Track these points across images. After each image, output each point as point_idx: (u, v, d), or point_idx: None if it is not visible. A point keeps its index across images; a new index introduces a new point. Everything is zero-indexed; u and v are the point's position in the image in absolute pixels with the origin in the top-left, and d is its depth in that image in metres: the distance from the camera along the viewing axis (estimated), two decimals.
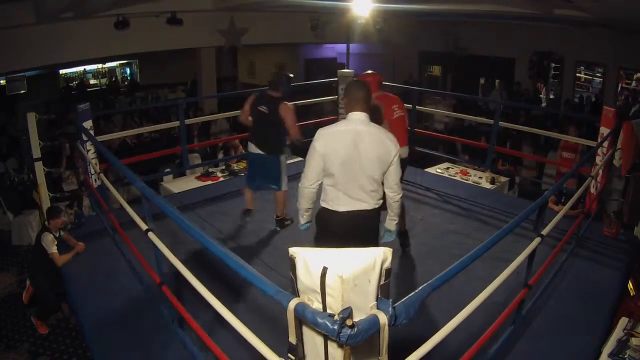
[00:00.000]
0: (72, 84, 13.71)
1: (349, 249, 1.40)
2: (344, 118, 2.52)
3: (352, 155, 2.40)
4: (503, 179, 6.23)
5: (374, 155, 2.42)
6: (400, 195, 2.62)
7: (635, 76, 9.67)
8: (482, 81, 12.48)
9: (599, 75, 10.25)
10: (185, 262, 2.27)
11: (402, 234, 3.78)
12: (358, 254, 1.37)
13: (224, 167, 6.43)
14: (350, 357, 1.31)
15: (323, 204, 2.57)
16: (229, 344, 2.28)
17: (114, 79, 14.65)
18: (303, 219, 2.74)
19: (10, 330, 4.48)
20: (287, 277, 1.45)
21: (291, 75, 4.22)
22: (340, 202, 2.50)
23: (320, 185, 2.56)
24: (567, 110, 9.78)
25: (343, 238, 2.46)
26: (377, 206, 2.56)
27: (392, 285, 1.42)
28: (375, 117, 2.85)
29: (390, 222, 2.74)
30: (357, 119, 2.45)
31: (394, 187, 2.56)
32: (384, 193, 2.60)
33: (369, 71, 3.71)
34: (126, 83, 14.70)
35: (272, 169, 4.11)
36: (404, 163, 3.18)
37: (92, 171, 4.17)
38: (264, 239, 4.08)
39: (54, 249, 3.78)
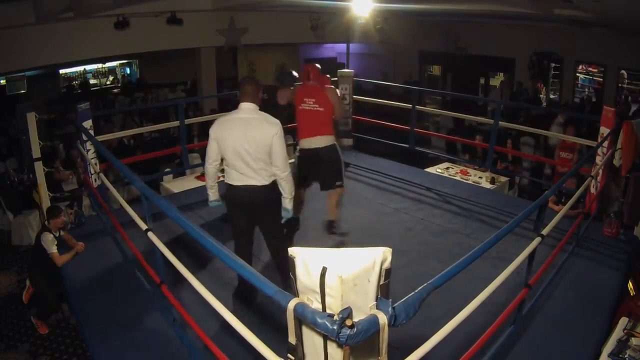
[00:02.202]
0: (72, 84, 13.70)
1: (350, 249, 1.40)
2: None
3: (239, 139, 2.82)
4: (503, 179, 6.23)
5: (257, 138, 2.82)
6: (286, 174, 2.94)
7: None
8: (482, 81, 12.49)
9: (599, 75, 10.24)
10: (185, 262, 2.27)
11: (294, 219, 3.84)
12: (357, 254, 1.37)
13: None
14: (349, 357, 1.31)
15: (225, 180, 3.02)
16: (229, 344, 2.27)
17: (116, 79, 14.62)
18: (210, 196, 3.18)
19: (10, 330, 4.48)
20: (287, 277, 1.45)
21: (295, 74, 4.24)
22: (233, 178, 2.94)
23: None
24: (567, 110, 9.78)
25: (240, 209, 3.00)
26: (267, 183, 2.93)
27: (391, 285, 1.42)
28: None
29: (284, 200, 3.03)
30: (246, 108, 2.90)
31: (279, 165, 2.90)
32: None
33: (316, 65, 3.99)
34: (134, 81, 14.65)
35: None
36: (333, 151, 3.79)
37: (92, 171, 4.17)
38: (264, 239, 4.07)
39: (53, 249, 3.78)
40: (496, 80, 12.18)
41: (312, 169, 3.91)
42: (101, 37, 7.89)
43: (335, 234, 4.07)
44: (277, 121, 2.89)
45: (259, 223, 3.09)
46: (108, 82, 14.57)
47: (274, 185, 2.96)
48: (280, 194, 3.00)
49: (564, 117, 7.22)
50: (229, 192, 2.99)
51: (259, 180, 2.90)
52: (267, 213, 3.03)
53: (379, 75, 12.56)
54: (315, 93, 3.79)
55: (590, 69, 10.38)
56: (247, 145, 2.82)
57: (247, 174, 2.89)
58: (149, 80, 14.38)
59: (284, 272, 2.90)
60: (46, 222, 3.98)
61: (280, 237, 3.23)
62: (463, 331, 2.02)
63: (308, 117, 3.80)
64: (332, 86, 3.96)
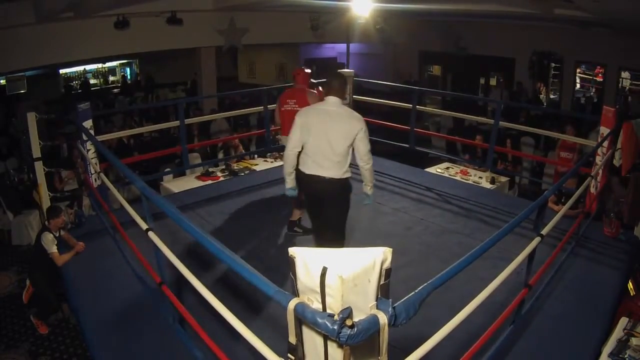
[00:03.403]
0: (72, 84, 13.70)
1: (350, 249, 1.40)
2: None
3: (324, 130, 2.94)
4: (503, 178, 6.23)
5: (342, 131, 2.95)
6: (370, 165, 3.10)
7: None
8: (482, 81, 12.49)
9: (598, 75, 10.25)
10: (185, 262, 2.27)
11: (292, 222, 4.07)
12: (358, 254, 1.37)
13: (224, 167, 6.43)
14: (350, 357, 1.31)
15: (299, 167, 3.14)
16: (229, 344, 2.28)
17: (118, 78, 14.62)
18: (287, 183, 3.24)
19: (10, 330, 4.48)
20: (287, 277, 1.45)
21: (308, 70, 4.42)
22: (309, 166, 3.06)
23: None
24: (569, 110, 9.79)
25: (311, 197, 3.20)
26: (340, 176, 3.04)
27: (391, 285, 1.42)
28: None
29: (366, 187, 3.22)
30: (333, 101, 3.04)
31: (364, 158, 3.05)
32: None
33: (306, 69, 4.24)
34: (140, 81, 14.64)
35: None
36: None
37: (92, 171, 4.17)
38: (264, 239, 4.08)
39: (53, 249, 3.78)
40: (495, 81, 12.21)
41: None
42: (101, 37, 7.89)
43: (297, 233, 4.05)
44: (361, 117, 3.05)
45: (325, 213, 3.19)
46: (109, 82, 14.57)
47: (345, 179, 3.09)
48: (349, 189, 3.18)
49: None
50: (302, 179, 3.14)
51: (334, 172, 3.02)
52: (334, 205, 3.14)
53: (383, 75, 12.51)
54: (297, 95, 4.02)
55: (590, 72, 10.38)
56: (331, 138, 2.94)
57: (323, 165, 3.00)
58: (149, 80, 14.39)
59: None
60: (46, 222, 3.98)
61: (339, 231, 3.23)
62: (463, 331, 2.02)
63: (289, 117, 3.82)
64: (314, 91, 4.14)
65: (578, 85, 10.59)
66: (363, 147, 3.01)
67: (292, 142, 3.07)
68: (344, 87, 3.12)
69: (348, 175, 3.09)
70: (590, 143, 4.59)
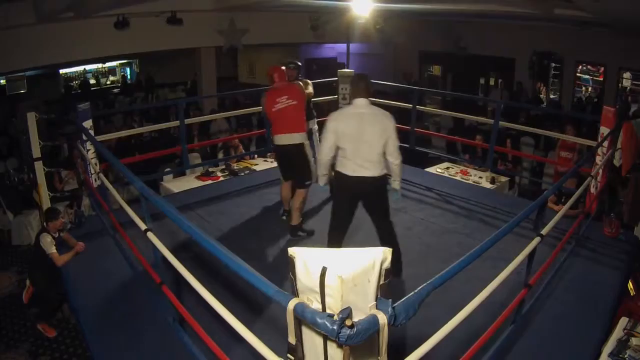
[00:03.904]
0: (72, 84, 13.70)
1: (350, 249, 1.40)
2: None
3: (360, 132, 3.00)
4: (503, 178, 6.23)
5: (375, 131, 3.02)
6: (399, 161, 3.18)
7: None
8: (482, 81, 12.49)
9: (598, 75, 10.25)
10: (185, 262, 2.27)
11: (294, 227, 4.06)
12: (357, 254, 1.37)
13: (224, 167, 6.43)
14: (349, 357, 1.31)
15: (337, 168, 3.20)
16: (229, 344, 2.27)
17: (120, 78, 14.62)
18: (322, 182, 3.40)
19: (10, 331, 4.48)
20: (287, 277, 1.45)
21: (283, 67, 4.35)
22: (349, 169, 3.11)
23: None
24: (570, 110, 9.78)
25: (351, 198, 3.24)
26: (379, 174, 3.13)
27: (391, 285, 1.42)
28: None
29: (394, 182, 3.31)
30: (362, 103, 3.08)
31: (394, 154, 3.13)
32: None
33: (280, 67, 4.13)
34: (141, 81, 14.63)
35: None
36: (300, 149, 3.92)
37: (92, 171, 4.17)
38: (264, 239, 4.08)
39: (52, 249, 3.78)
40: (493, 81, 12.23)
41: (286, 166, 4.11)
42: (101, 37, 7.89)
43: (299, 237, 4.02)
44: (390, 114, 3.15)
45: (372, 210, 3.34)
46: (108, 82, 14.58)
47: (385, 175, 3.20)
48: (385, 182, 3.25)
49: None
50: (341, 181, 3.19)
51: (374, 171, 3.10)
52: (380, 200, 3.27)
53: (383, 75, 12.50)
54: (286, 90, 3.93)
55: (590, 67, 10.37)
56: (368, 139, 3.02)
57: (363, 166, 3.08)
58: (149, 80, 14.39)
59: (396, 258, 3.28)
60: (45, 224, 3.98)
61: (389, 218, 3.38)
62: (463, 331, 2.02)
63: (282, 114, 3.90)
64: (301, 83, 4.15)
65: (585, 89, 10.56)
66: (393, 143, 3.11)
67: (326, 149, 3.13)
68: (369, 88, 3.17)
69: (385, 171, 3.21)
70: (590, 143, 4.59)
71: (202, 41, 9.54)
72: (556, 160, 5.90)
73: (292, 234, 4.05)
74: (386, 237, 3.35)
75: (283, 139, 3.94)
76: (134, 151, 7.15)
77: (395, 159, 3.15)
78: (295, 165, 4.01)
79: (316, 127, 4.79)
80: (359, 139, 3.02)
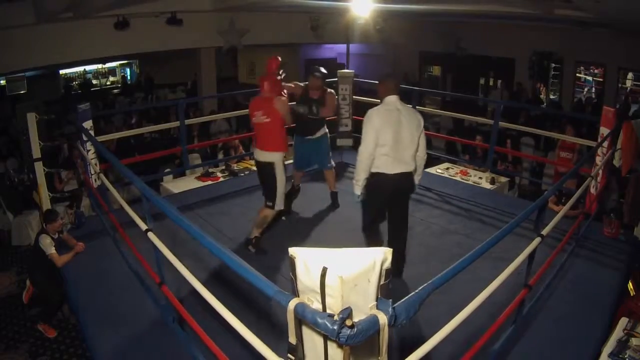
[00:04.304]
0: (72, 84, 13.70)
1: (350, 249, 1.40)
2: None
3: (399, 130, 3.05)
4: (503, 179, 6.23)
5: (412, 126, 3.10)
6: (425, 155, 3.32)
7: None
8: (482, 81, 12.50)
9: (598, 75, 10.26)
10: (185, 262, 2.27)
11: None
12: (358, 254, 1.37)
13: (224, 167, 6.43)
14: (349, 358, 1.31)
15: (375, 170, 3.14)
16: (229, 344, 2.27)
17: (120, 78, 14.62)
18: (357, 190, 3.24)
19: (10, 331, 4.48)
20: (287, 277, 1.45)
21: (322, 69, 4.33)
22: (389, 166, 3.11)
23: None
24: (570, 111, 9.79)
25: (392, 196, 3.21)
26: (413, 168, 3.21)
27: (392, 285, 1.42)
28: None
29: (418, 176, 3.36)
30: (394, 100, 3.13)
31: (423, 149, 3.25)
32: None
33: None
34: (141, 81, 14.63)
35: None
36: (269, 169, 3.69)
37: (92, 171, 4.17)
38: (263, 239, 4.07)
39: (52, 250, 3.78)
40: (492, 81, 12.24)
41: (260, 179, 3.95)
42: (101, 37, 7.89)
43: (249, 251, 3.84)
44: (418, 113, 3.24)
45: (398, 206, 3.33)
46: (108, 83, 14.58)
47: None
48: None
49: None
50: (379, 181, 3.15)
51: (410, 166, 3.17)
52: (407, 197, 3.34)
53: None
54: (264, 104, 3.66)
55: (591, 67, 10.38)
56: (406, 134, 3.07)
57: (406, 161, 3.13)
58: (149, 80, 14.38)
59: (402, 255, 3.38)
60: (44, 225, 3.98)
61: (407, 214, 3.41)
62: (463, 331, 2.02)
63: (257, 128, 3.77)
64: (283, 97, 3.76)
65: (588, 90, 10.55)
66: (424, 138, 3.23)
67: (370, 148, 3.08)
68: (398, 85, 3.22)
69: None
70: (590, 143, 4.59)
71: (202, 41, 9.54)
72: (556, 160, 5.90)
73: (245, 244, 3.92)
74: (397, 234, 3.36)
75: (256, 152, 3.81)
76: (133, 152, 7.15)
77: (424, 153, 3.28)
78: (264, 183, 3.85)
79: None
80: (398, 135, 3.05)
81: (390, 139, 3.05)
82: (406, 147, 3.11)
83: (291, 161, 4.58)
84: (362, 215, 3.46)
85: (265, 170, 3.76)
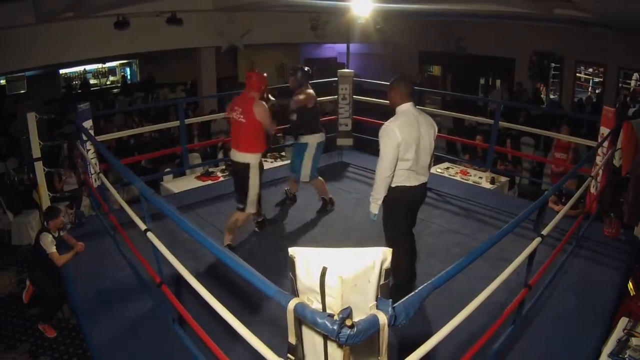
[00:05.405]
0: (72, 84, 13.69)
1: (350, 249, 1.40)
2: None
3: (419, 140, 2.85)
4: (503, 179, 6.23)
5: (430, 135, 2.92)
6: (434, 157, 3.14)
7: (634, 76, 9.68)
8: (482, 81, 12.50)
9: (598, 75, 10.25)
10: (184, 262, 2.27)
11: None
12: (358, 254, 1.37)
13: (224, 167, 6.43)
14: (349, 357, 1.31)
15: (394, 185, 2.91)
16: (229, 344, 2.27)
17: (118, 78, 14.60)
18: (375, 209, 3.00)
19: (10, 331, 4.48)
20: (287, 277, 1.45)
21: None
22: (412, 179, 2.92)
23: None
24: (571, 111, 9.79)
25: (411, 207, 3.10)
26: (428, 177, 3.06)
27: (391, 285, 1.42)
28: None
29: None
30: (411, 108, 2.88)
31: (433, 156, 3.06)
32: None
33: (261, 74, 3.67)
34: (141, 81, 14.62)
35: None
36: (244, 170, 3.58)
37: (92, 171, 4.17)
38: (264, 239, 4.08)
39: (52, 249, 3.78)
40: (492, 81, 12.24)
41: (234, 180, 3.86)
42: (101, 37, 7.90)
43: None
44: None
45: (412, 217, 3.21)
46: (108, 82, 14.57)
47: None
48: None
49: None
50: (402, 196, 2.94)
51: (427, 176, 3.04)
52: (420, 206, 3.20)
53: (383, 75, 12.53)
54: (244, 103, 3.55)
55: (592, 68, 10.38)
56: (425, 144, 2.90)
57: (423, 173, 2.98)
58: (148, 80, 14.38)
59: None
60: (45, 223, 3.98)
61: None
62: (463, 331, 2.02)
63: (234, 127, 3.64)
64: (264, 103, 3.61)
65: (592, 91, 10.54)
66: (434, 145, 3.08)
67: (391, 168, 2.81)
68: (413, 89, 2.98)
69: None
70: (590, 143, 4.59)
71: (202, 41, 9.54)
72: (551, 160, 5.91)
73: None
74: (413, 242, 3.28)
75: (231, 152, 3.69)
76: (133, 151, 7.15)
77: (432, 161, 3.12)
78: (237, 183, 3.77)
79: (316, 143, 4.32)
80: (419, 146, 2.85)
81: (412, 152, 2.82)
82: (425, 159, 2.93)
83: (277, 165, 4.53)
84: (388, 233, 3.15)
85: (240, 171, 3.65)
